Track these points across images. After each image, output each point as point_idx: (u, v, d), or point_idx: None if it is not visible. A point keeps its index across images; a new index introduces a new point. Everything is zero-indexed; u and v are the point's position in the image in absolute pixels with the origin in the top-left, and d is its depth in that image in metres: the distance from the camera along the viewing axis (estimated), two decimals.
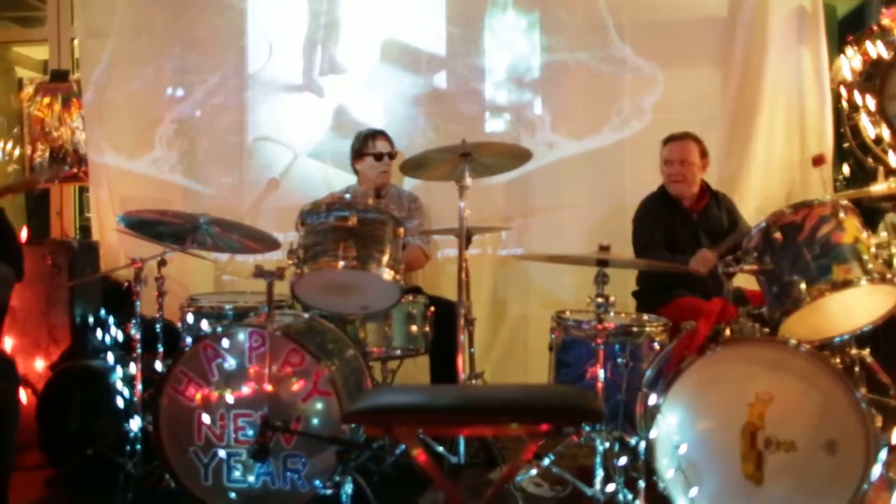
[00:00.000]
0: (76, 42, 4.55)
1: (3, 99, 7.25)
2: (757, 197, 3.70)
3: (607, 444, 2.46)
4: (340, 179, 3.90)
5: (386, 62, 4.07)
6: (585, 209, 3.84)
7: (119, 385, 2.96)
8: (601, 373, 2.51)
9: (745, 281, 2.81)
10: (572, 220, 3.83)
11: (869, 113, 3.81)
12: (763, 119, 3.77)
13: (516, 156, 2.96)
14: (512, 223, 3.86)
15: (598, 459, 2.41)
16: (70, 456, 2.93)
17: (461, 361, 2.72)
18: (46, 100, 4.55)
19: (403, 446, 2.70)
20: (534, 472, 2.69)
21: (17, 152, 6.19)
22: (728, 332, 2.37)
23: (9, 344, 3.35)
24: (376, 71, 4.09)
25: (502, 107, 4.01)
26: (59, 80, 4.55)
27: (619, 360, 2.72)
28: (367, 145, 3.51)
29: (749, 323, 2.39)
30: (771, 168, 3.76)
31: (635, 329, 2.82)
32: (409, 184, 3.81)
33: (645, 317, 2.98)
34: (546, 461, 2.60)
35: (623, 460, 2.43)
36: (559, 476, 2.62)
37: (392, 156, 3.52)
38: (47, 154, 4.55)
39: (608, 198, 3.79)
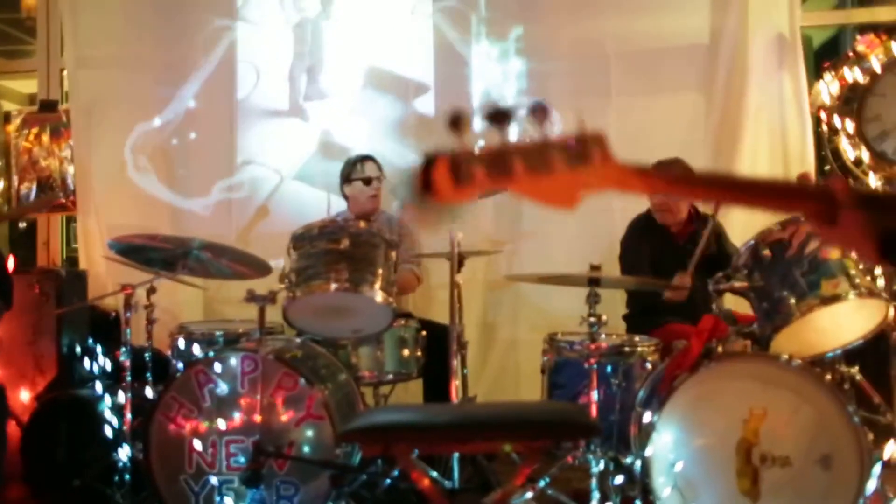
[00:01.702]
0: (65, 73, 4.57)
1: None
2: (742, 217, 3.75)
3: (602, 465, 2.45)
4: (326, 202, 3.94)
5: (370, 88, 4.14)
6: (574, 231, 3.87)
7: (107, 414, 2.92)
8: (595, 393, 2.52)
9: (734, 304, 2.84)
10: (562, 244, 3.85)
11: (848, 136, 3.88)
12: (746, 143, 3.84)
13: None
14: (503, 247, 3.88)
15: (594, 481, 2.41)
16: (56, 488, 2.88)
17: (455, 385, 2.71)
18: (34, 130, 4.54)
19: (398, 470, 2.68)
20: (529, 495, 2.67)
21: (0, 184, 6.17)
22: (720, 348, 2.39)
23: None
24: (361, 96, 4.15)
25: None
26: (47, 111, 4.55)
27: (613, 380, 2.72)
28: (355, 170, 3.52)
29: (740, 339, 2.42)
30: None
31: (627, 349, 2.83)
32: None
33: (636, 337, 2.99)
34: (541, 483, 2.58)
35: (619, 480, 2.42)
36: (555, 498, 2.60)
37: (381, 180, 3.54)
38: (34, 185, 4.53)
39: (597, 221, 3.82)
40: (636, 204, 3.53)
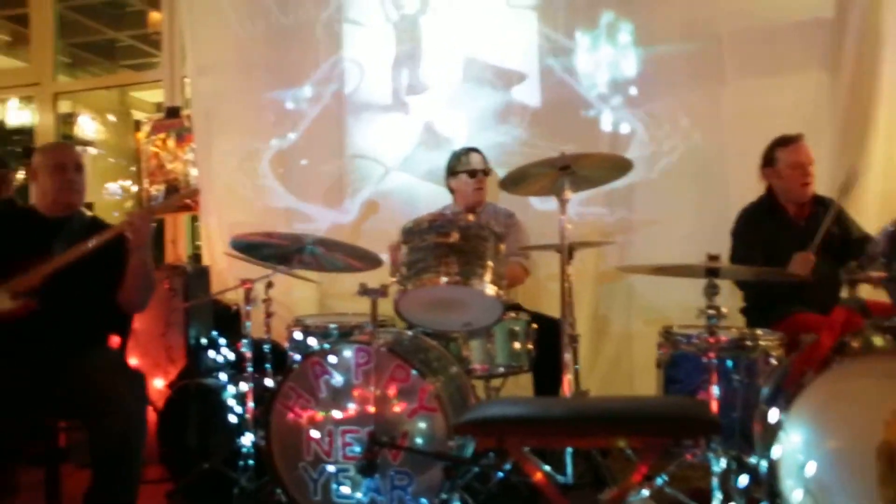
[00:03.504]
0: (187, 80, 4.84)
1: (123, 140, 7.80)
2: (876, 201, 3.49)
3: (724, 464, 2.34)
4: (429, 192, 3.99)
5: (470, 80, 4.14)
6: (689, 221, 3.72)
7: (231, 402, 3.07)
8: (715, 389, 2.41)
9: (868, 295, 2.64)
10: (676, 234, 3.71)
11: None
12: (880, 125, 3.55)
13: (617, 166, 2.90)
14: (614, 238, 3.79)
15: (716, 480, 2.30)
16: (188, 470, 3.06)
17: (567, 379, 2.67)
18: (161, 136, 4.84)
19: (510, 464, 2.67)
20: (646, 493, 2.59)
21: (134, 188, 6.63)
22: (854, 343, 2.22)
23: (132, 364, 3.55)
24: (461, 88, 4.17)
25: (598, 119, 3.96)
26: (172, 117, 4.84)
27: (734, 375, 2.60)
28: (460, 162, 3.54)
29: (878, 335, 2.24)
30: (890, 171, 3.53)
31: (749, 343, 2.69)
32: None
33: (759, 331, 2.83)
34: (659, 481, 2.50)
35: (743, 480, 2.31)
36: (673, 497, 2.52)
37: (486, 172, 3.54)
38: (163, 187, 4.83)
39: (713, 209, 3.65)
40: (752, 191, 3.36)
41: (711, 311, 2.40)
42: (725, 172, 3.74)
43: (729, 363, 2.61)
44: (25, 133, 6.88)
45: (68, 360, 2.50)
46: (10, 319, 2.44)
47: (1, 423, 2.36)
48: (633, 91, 3.90)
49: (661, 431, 1.62)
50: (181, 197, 2.69)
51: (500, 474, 2.73)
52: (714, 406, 2.38)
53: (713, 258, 2.39)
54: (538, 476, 1.73)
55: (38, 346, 2.48)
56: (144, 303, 2.75)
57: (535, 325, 3.01)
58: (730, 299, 3.21)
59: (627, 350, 3.82)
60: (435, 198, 3.82)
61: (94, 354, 2.60)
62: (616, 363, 3.84)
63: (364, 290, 2.59)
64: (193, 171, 4.73)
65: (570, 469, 2.67)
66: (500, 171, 3.40)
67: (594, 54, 3.95)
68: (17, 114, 7.31)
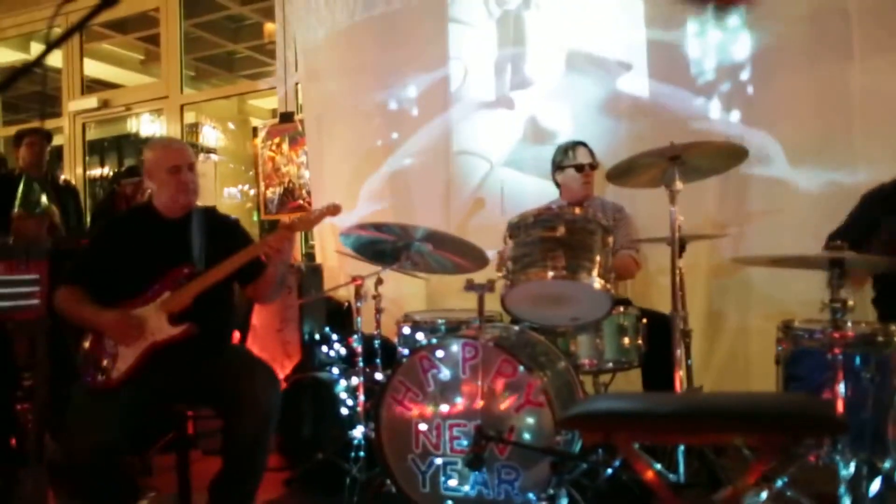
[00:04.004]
0: (299, 86, 5.04)
1: (241, 146, 8.24)
2: None
3: (853, 468, 2.20)
4: (535, 187, 3.95)
5: (573, 72, 4.07)
6: (807, 211, 3.49)
7: (343, 395, 3.17)
8: (841, 387, 2.26)
9: None
10: (793, 224, 3.49)
11: None
12: None
13: (731, 154, 2.77)
14: (727, 230, 3.63)
15: (844, 485, 2.16)
16: (303, 460, 3.19)
17: (679, 375, 2.58)
18: (276, 140, 5.07)
19: (620, 460, 2.62)
20: (764, 495, 2.47)
21: (251, 192, 6.98)
22: None
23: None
24: (564, 81, 4.11)
25: (708, 110, 3.79)
26: (286, 122, 5.06)
27: (863, 373, 2.42)
28: (567, 157, 3.49)
29: None
30: None
31: (880, 339, 2.50)
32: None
33: (893, 326, 2.63)
34: (779, 483, 2.38)
35: (875, 486, 2.16)
36: (795, 500, 2.38)
37: (593, 166, 3.47)
38: (279, 190, 5.05)
39: (831, 197, 3.41)
40: (883, 175, 3.11)
41: (836, 305, 2.25)
42: (854, 156, 3.47)
43: (857, 360, 2.44)
44: None
45: (205, 355, 2.61)
46: (175, 343, 2.53)
47: (143, 413, 2.52)
48: (746, 75, 3.71)
49: (779, 428, 1.53)
50: (320, 215, 2.68)
51: (609, 471, 2.68)
52: (840, 405, 2.24)
53: (836, 247, 2.25)
54: (649, 474, 1.67)
55: (184, 352, 2.57)
56: (273, 299, 2.87)
57: (644, 320, 2.94)
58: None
59: (744, 346, 3.64)
60: (541, 193, 3.79)
61: (228, 350, 2.73)
62: (732, 360, 3.66)
63: (471, 286, 2.62)
64: (306, 174, 4.92)
65: (682, 467, 2.58)
66: (607, 164, 3.34)
67: (703, 39, 3.79)
68: (150, 126, 7.87)
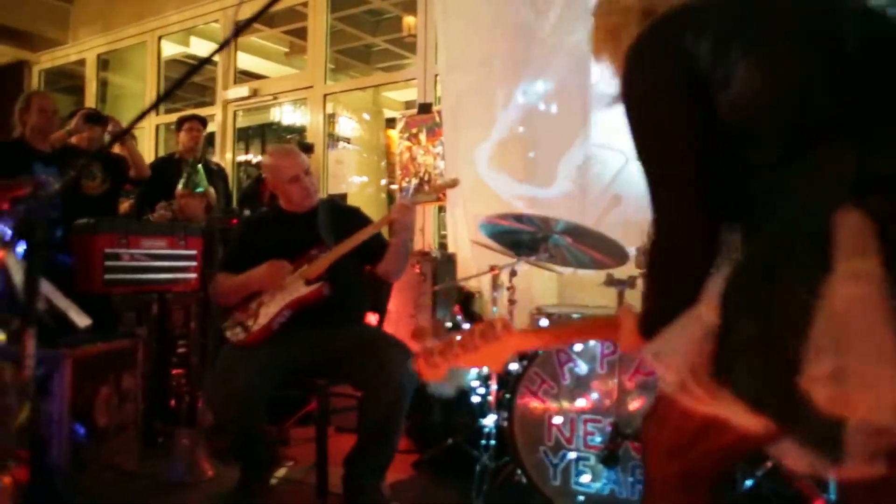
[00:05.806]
0: (438, 78, 5.13)
1: (374, 137, 8.48)
2: None
3: None
4: None
5: None
6: None
7: (475, 384, 3.21)
8: None
9: None
10: None
11: None
12: None
13: None
14: None
15: None
16: (433, 444, 3.25)
17: None
18: (413, 131, 5.18)
19: (763, 470, 2.50)
20: None
21: (383, 182, 7.18)
22: None
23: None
24: None
25: None
26: (424, 112, 5.17)
27: None
28: None
29: None
30: None
31: None
32: None
33: None
34: None
35: None
36: None
37: None
38: (414, 180, 5.17)
39: None
40: None
41: None
42: None
43: None
44: (295, 131, 7.76)
45: (340, 326, 2.78)
46: (308, 303, 2.75)
47: (282, 376, 2.68)
48: None
49: None
50: (440, 187, 2.90)
51: (750, 481, 2.57)
52: None
53: None
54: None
55: (318, 320, 2.77)
56: (400, 273, 3.01)
57: None
58: None
59: None
60: None
61: (364, 328, 2.86)
62: None
63: (611, 280, 2.59)
64: (441, 164, 5.00)
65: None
66: None
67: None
68: (290, 115, 8.27)
